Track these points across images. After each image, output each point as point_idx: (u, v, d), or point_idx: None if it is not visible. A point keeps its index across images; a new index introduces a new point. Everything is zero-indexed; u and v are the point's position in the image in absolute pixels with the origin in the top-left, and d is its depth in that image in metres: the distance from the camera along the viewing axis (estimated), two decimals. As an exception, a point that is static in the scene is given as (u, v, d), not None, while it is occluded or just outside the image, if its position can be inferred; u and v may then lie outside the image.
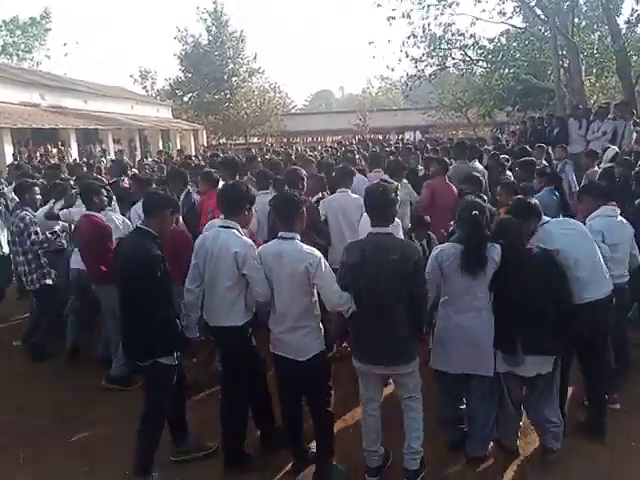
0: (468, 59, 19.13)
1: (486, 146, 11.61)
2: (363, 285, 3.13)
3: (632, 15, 17.25)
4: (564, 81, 15.63)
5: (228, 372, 3.58)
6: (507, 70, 19.89)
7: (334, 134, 31.50)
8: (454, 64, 19.65)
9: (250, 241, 3.36)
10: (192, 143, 28.04)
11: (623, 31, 16.57)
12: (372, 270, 3.10)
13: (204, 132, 30.75)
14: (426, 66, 19.03)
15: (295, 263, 3.11)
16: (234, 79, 32.10)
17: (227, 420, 3.50)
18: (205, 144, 28.96)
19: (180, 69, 32.62)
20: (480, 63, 20.10)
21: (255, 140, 33.13)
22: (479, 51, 18.99)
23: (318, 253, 3.17)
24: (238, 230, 3.34)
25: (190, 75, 32.18)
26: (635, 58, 17.49)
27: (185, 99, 33.57)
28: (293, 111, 42.09)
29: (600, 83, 20.42)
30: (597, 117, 10.81)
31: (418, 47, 18.57)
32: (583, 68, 15.58)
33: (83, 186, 5.06)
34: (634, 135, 10.12)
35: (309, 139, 31.76)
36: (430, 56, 18.62)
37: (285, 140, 30.66)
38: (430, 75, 19.53)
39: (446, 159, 6.85)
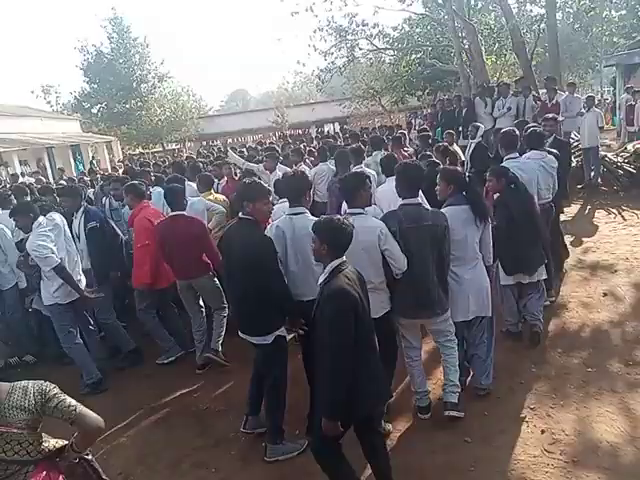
0: (375, 48, 19.46)
1: (401, 130, 12.09)
2: (404, 250, 3.51)
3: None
4: (467, 62, 16.25)
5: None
6: (413, 56, 20.44)
7: (254, 133, 31.24)
8: (362, 54, 19.93)
9: None
10: (106, 156, 26.87)
11: (515, 11, 17.46)
12: (410, 234, 3.53)
13: (118, 143, 29.54)
14: (336, 58, 19.22)
15: (368, 234, 3.42)
16: (143, 86, 30.89)
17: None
18: (121, 155, 27.86)
19: (84, 80, 31.04)
20: (387, 51, 20.53)
21: (173, 146, 32.24)
22: (385, 39, 19.39)
23: (382, 223, 3.54)
24: (308, 212, 3.65)
25: (96, 86, 30.63)
26: (529, 36, 18.50)
27: (94, 111, 31.91)
28: (210, 113, 41.26)
29: (501, 61, 21.43)
30: (500, 94, 11.37)
31: (325, 40, 18.73)
32: (483, 48, 16.25)
33: (169, 188, 5.18)
34: (534, 109, 10.76)
35: (229, 140, 31.29)
36: (338, 48, 18.80)
37: (204, 143, 29.99)
38: (341, 67, 19.72)
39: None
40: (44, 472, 2.18)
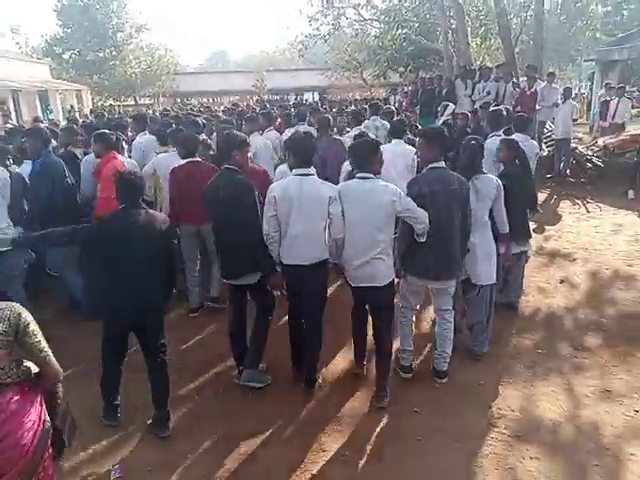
0: (361, 19, 19.13)
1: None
2: (431, 212, 3.58)
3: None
4: (452, 42, 16.15)
5: (303, 305, 3.86)
6: (399, 31, 20.19)
7: (231, 95, 30.59)
8: (348, 23, 19.60)
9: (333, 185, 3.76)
10: (75, 105, 25.90)
11: (504, -5, 17.34)
12: (439, 198, 3.62)
13: (88, 93, 28.48)
14: (321, 25, 18.84)
15: (381, 197, 3.48)
16: (119, 35, 29.79)
17: (298, 342, 3.98)
18: (91, 105, 26.90)
19: (57, 24, 29.64)
20: (373, 23, 20.22)
21: (146, 101, 31.32)
22: (372, 11, 19.08)
23: (396, 187, 3.58)
24: (316, 175, 3.71)
25: (69, 30, 29.34)
26: (515, 22, 18.47)
27: (65, 57, 30.64)
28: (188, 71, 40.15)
29: (485, 45, 21.37)
30: (481, 78, 11.38)
31: (312, 5, 18.31)
32: (469, 30, 16.14)
33: (181, 135, 5.37)
34: (513, 95, 10.83)
35: (204, 100, 30.57)
36: (324, 15, 18.42)
37: (179, 100, 29.22)
38: (325, 35, 19.36)
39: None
40: (15, 394, 2.13)
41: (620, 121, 12.11)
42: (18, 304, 2.19)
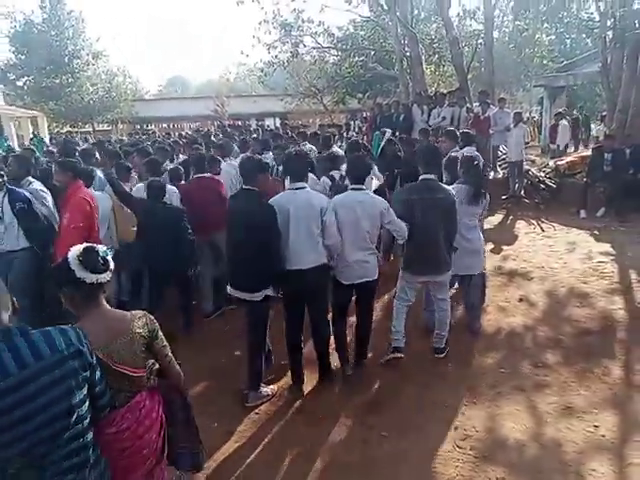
0: (319, 46, 19.50)
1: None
2: (419, 217, 4.19)
3: (460, 8, 18.86)
4: (407, 69, 16.61)
5: (309, 309, 4.19)
6: (356, 58, 20.64)
7: (191, 121, 30.50)
8: (306, 51, 19.91)
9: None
10: (31, 132, 25.27)
11: (455, 23, 18.01)
12: (426, 205, 4.20)
13: (44, 120, 27.86)
14: (280, 52, 19.07)
15: (372, 208, 4.03)
16: (75, 62, 29.29)
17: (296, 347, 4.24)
18: (47, 132, 26.27)
19: (11, 50, 29.02)
20: (331, 51, 20.61)
21: (105, 127, 30.85)
22: (329, 39, 19.45)
23: (384, 200, 4.18)
24: (308, 187, 4.05)
25: (23, 57, 28.74)
26: (467, 49, 19.16)
27: (19, 84, 29.96)
28: (146, 97, 39.85)
29: (439, 72, 22.04)
30: (437, 104, 11.76)
31: (270, 33, 18.54)
32: (423, 57, 16.65)
33: (196, 155, 6.21)
34: (468, 120, 11.20)
35: (164, 125, 30.36)
36: (282, 42, 18.67)
37: (137, 127, 28.90)
38: (284, 62, 19.61)
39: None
40: (144, 395, 2.26)
41: (562, 144, 12.59)
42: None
